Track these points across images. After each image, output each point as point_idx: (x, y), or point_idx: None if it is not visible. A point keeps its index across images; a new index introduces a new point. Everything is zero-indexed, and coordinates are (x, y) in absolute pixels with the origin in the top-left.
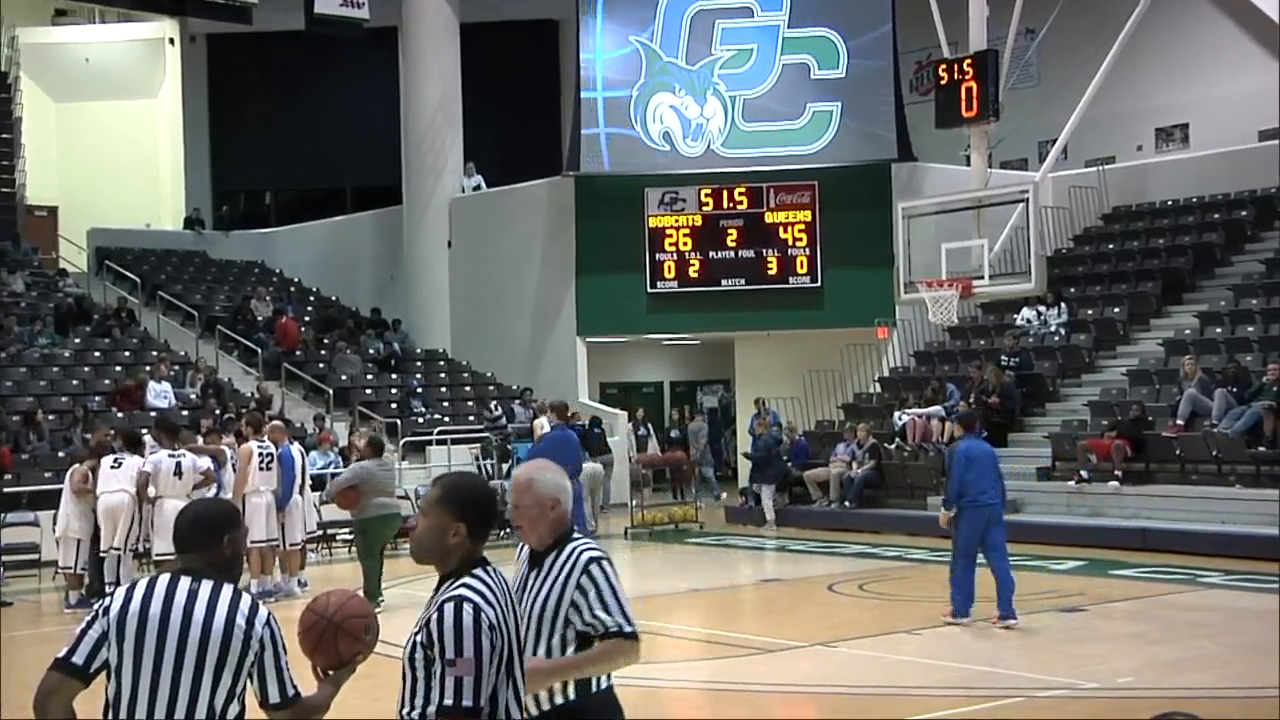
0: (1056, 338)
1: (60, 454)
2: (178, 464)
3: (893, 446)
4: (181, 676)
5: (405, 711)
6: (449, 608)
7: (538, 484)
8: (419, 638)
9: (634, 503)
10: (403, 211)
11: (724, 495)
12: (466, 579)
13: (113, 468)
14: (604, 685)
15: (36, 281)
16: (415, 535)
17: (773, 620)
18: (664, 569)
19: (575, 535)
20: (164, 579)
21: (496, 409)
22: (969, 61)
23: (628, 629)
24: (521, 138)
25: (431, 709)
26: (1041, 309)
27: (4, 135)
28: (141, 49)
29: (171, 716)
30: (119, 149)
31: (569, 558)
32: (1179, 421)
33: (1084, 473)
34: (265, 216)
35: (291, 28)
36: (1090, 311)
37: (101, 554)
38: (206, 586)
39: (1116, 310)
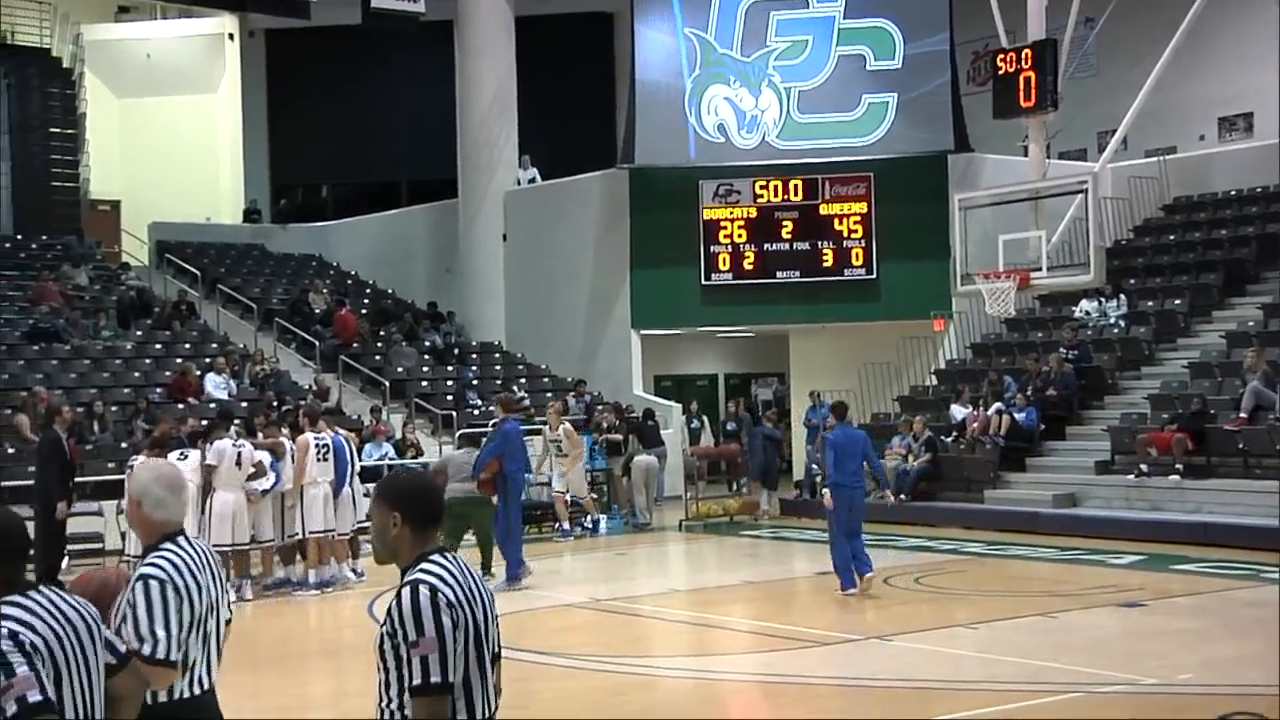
0: (1116, 330)
1: (123, 445)
2: (239, 454)
3: (949, 440)
4: None
5: (383, 705)
6: (405, 593)
7: (134, 483)
8: (384, 629)
9: (688, 495)
10: (458, 204)
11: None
12: (422, 565)
13: (179, 460)
14: (163, 699)
15: (100, 275)
16: (371, 533)
17: (827, 613)
18: (718, 561)
19: (164, 546)
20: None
21: (518, 394)
22: (1027, 51)
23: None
24: (576, 131)
25: (407, 696)
26: (1100, 301)
27: (69, 131)
28: (202, 45)
29: None
30: (180, 144)
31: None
32: (1242, 415)
33: (1144, 466)
34: (322, 210)
35: (348, 22)
36: (1150, 303)
37: None
38: None
39: (1177, 302)
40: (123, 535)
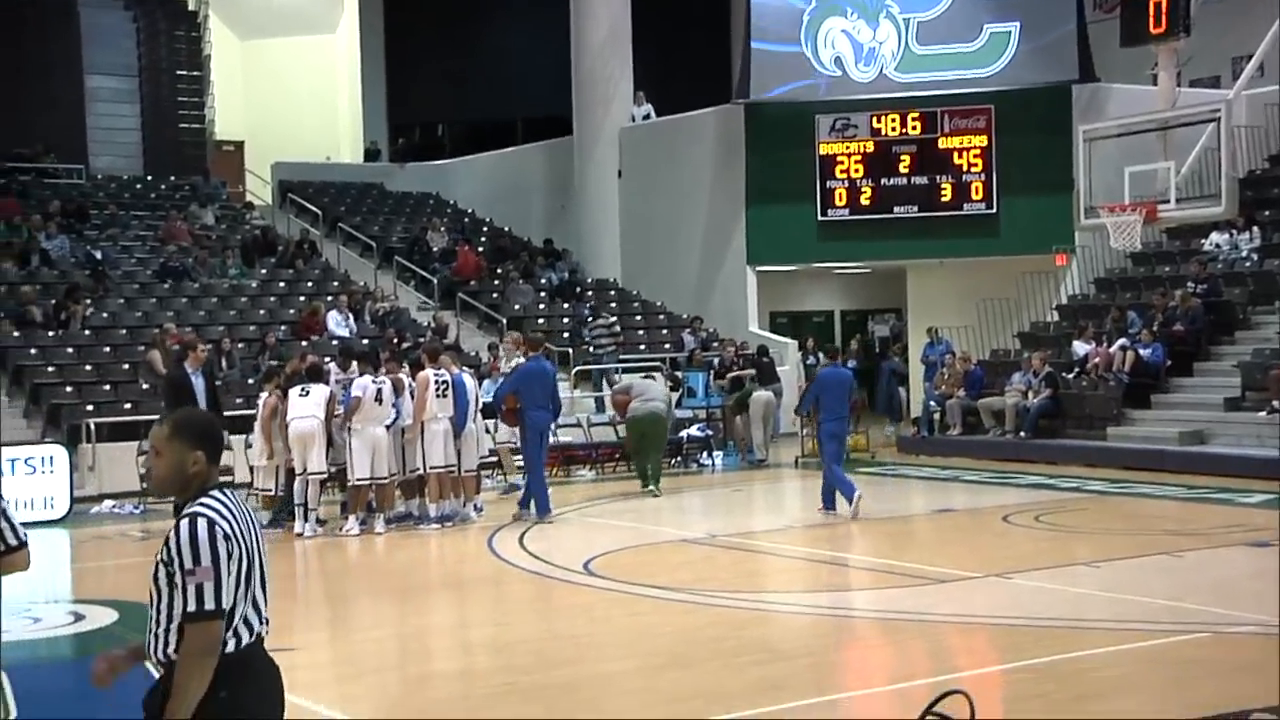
0: (1248, 263)
1: (250, 381)
2: (379, 390)
3: (1071, 376)
4: None
5: (155, 630)
6: (184, 524)
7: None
8: (160, 556)
9: (804, 432)
10: (573, 142)
11: (899, 425)
12: (202, 499)
13: (300, 396)
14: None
15: (225, 215)
16: (155, 473)
17: (946, 550)
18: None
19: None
20: None
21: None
22: None
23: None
24: (691, 66)
25: (176, 623)
26: (1232, 233)
27: (194, 73)
28: None
29: None
30: (300, 84)
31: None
32: None
33: (1276, 403)
34: (439, 148)
35: None
36: None
37: (297, 475)
38: None
39: None
40: (251, 470)
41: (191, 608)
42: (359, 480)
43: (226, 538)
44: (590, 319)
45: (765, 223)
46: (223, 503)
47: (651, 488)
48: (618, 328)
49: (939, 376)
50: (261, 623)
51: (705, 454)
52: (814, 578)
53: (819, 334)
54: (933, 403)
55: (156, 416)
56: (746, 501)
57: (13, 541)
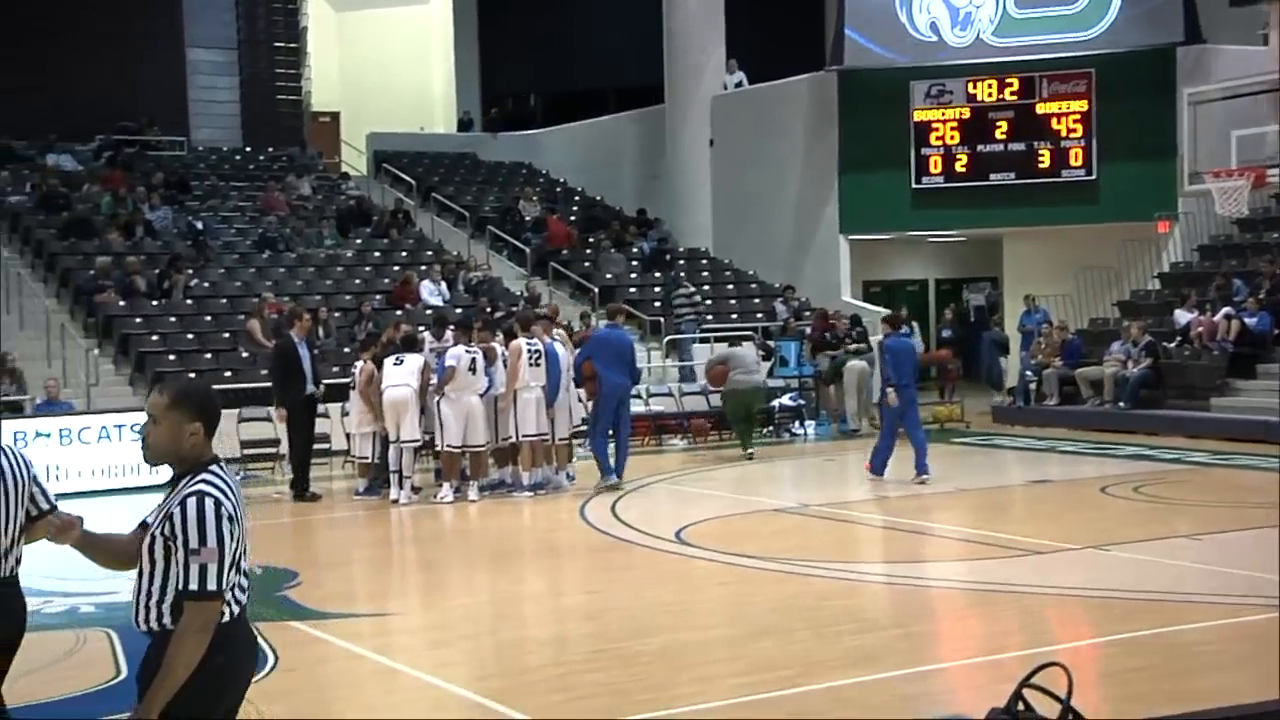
0: None
1: (345, 350)
2: (473, 359)
3: (1172, 346)
4: None
5: (146, 601)
6: (192, 501)
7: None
8: (160, 530)
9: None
10: (665, 111)
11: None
12: (204, 475)
13: (395, 365)
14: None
15: (321, 185)
16: (151, 441)
17: (1042, 522)
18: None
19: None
20: None
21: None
22: None
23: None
24: (784, 33)
25: (170, 597)
26: None
27: (291, 45)
28: None
29: None
30: (394, 55)
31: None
32: None
33: None
34: (532, 118)
35: None
36: None
37: (392, 442)
38: None
39: None
40: (348, 437)
41: (194, 586)
42: (451, 447)
43: (230, 519)
44: (673, 288)
45: (858, 191)
46: (224, 481)
47: (751, 451)
48: (697, 297)
49: (1036, 345)
50: (244, 591)
51: (797, 423)
52: (907, 548)
53: (912, 303)
54: (1029, 372)
55: (255, 385)
56: (839, 471)
57: (45, 506)
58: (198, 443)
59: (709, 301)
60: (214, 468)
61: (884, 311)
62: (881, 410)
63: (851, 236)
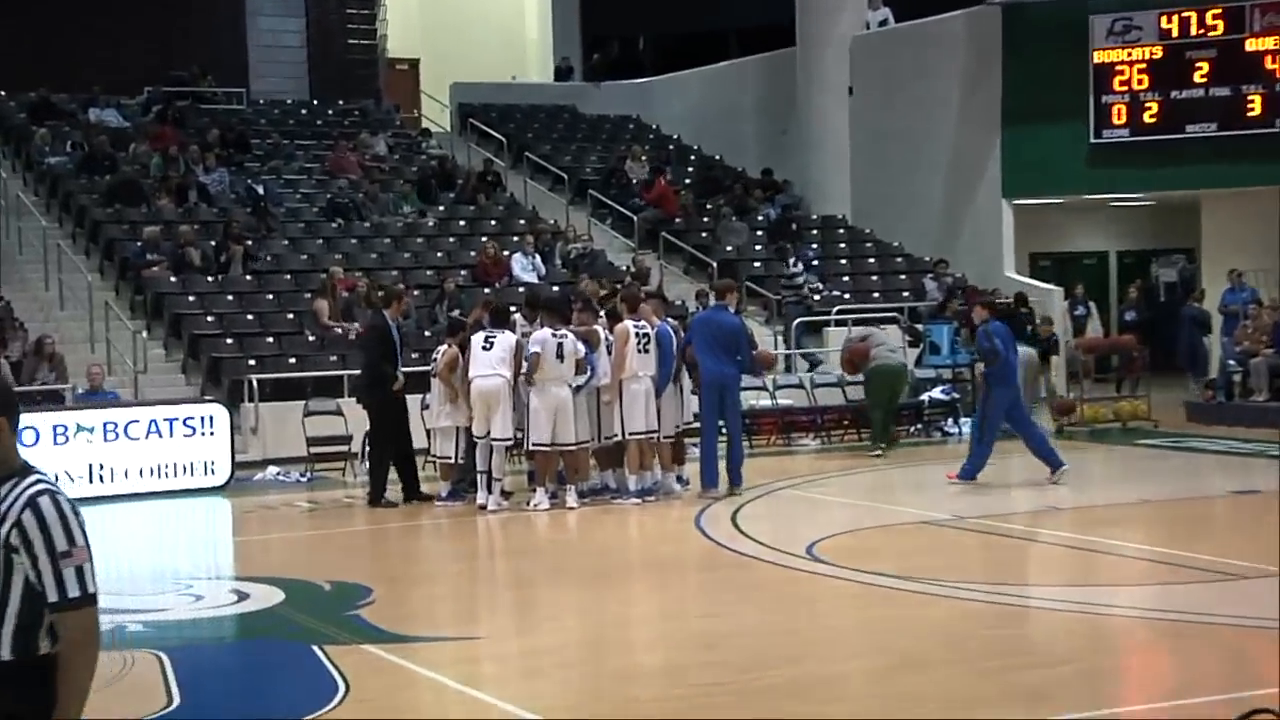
0: None
1: (426, 333)
2: (560, 345)
3: None
4: None
5: None
6: (45, 501)
7: None
8: (10, 538)
9: (1071, 396)
10: (796, 54)
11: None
12: (37, 475)
13: (484, 349)
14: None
15: (399, 143)
16: None
17: (1241, 540)
18: (1108, 475)
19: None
20: None
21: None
22: None
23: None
24: None
25: (18, 619)
26: None
27: None
28: None
29: None
30: None
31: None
32: None
33: None
34: (641, 65)
35: None
36: None
37: (477, 439)
38: None
39: None
40: (428, 433)
41: (73, 594)
42: (539, 446)
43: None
44: (786, 265)
45: (1025, 147)
46: (51, 478)
47: (881, 446)
48: (802, 278)
49: (1241, 330)
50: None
51: (950, 421)
52: (1080, 569)
53: (1089, 280)
54: (1233, 361)
55: (323, 373)
56: (1000, 477)
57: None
58: (13, 442)
59: (846, 278)
60: (32, 467)
61: (1054, 289)
62: (984, 409)
63: (1017, 201)
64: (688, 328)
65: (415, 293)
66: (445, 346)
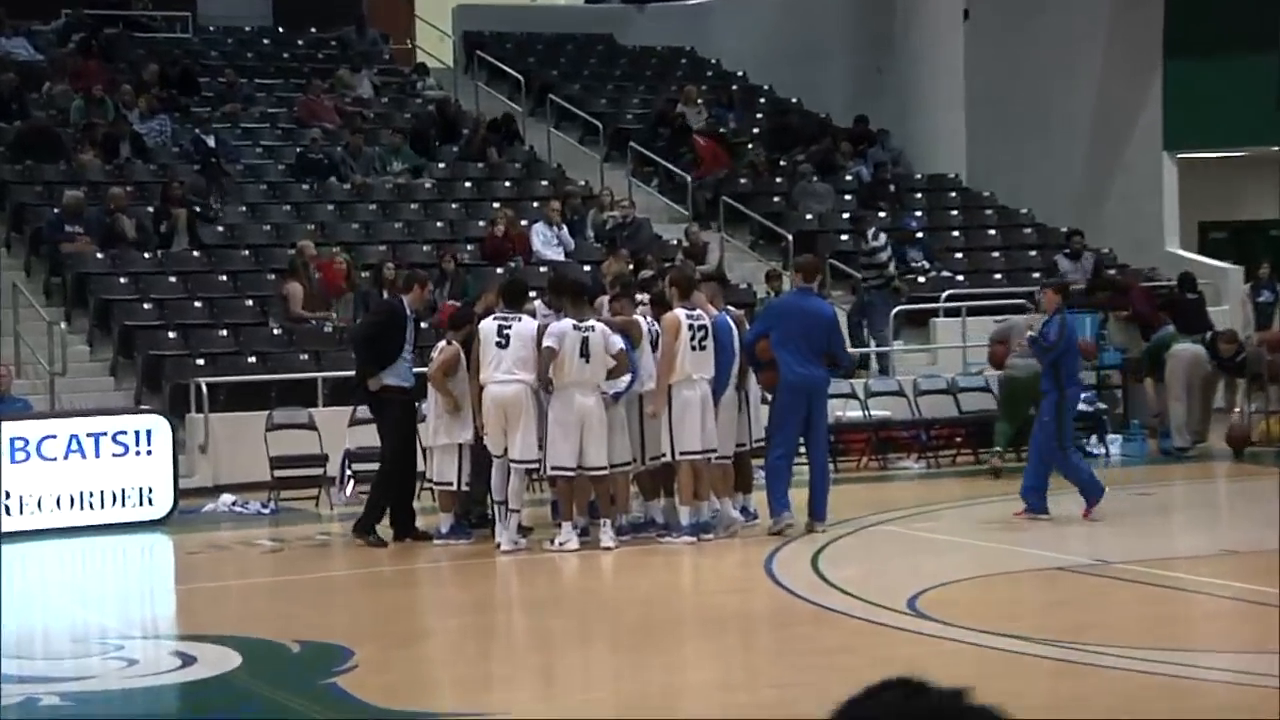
0: None
1: (423, 324)
2: (584, 340)
3: None
4: None
5: None
6: None
7: None
8: None
9: (1251, 407)
10: None
11: None
12: None
13: (499, 344)
14: None
15: (388, 83)
16: None
17: None
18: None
19: None
20: None
21: None
22: None
23: None
24: None
25: None
26: None
27: None
28: None
29: None
30: None
31: None
32: None
33: None
34: None
35: None
36: None
37: (494, 458)
38: None
39: None
40: (424, 452)
41: None
42: (559, 470)
43: None
44: (865, 238)
45: (1193, 86)
46: None
47: (998, 467)
48: (885, 254)
49: None
50: None
51: (1093, 437)
52: (1267, 630)
53: (1278, 255)
54: None
55: (292, 376)
56: (1160, 511)
57: None
58: None
59: (959, 255)
60: None
61: (1231, 269)
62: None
63: (1181, 155)
64: (753, 318)
65: (407, 273)
66: (445, 343)
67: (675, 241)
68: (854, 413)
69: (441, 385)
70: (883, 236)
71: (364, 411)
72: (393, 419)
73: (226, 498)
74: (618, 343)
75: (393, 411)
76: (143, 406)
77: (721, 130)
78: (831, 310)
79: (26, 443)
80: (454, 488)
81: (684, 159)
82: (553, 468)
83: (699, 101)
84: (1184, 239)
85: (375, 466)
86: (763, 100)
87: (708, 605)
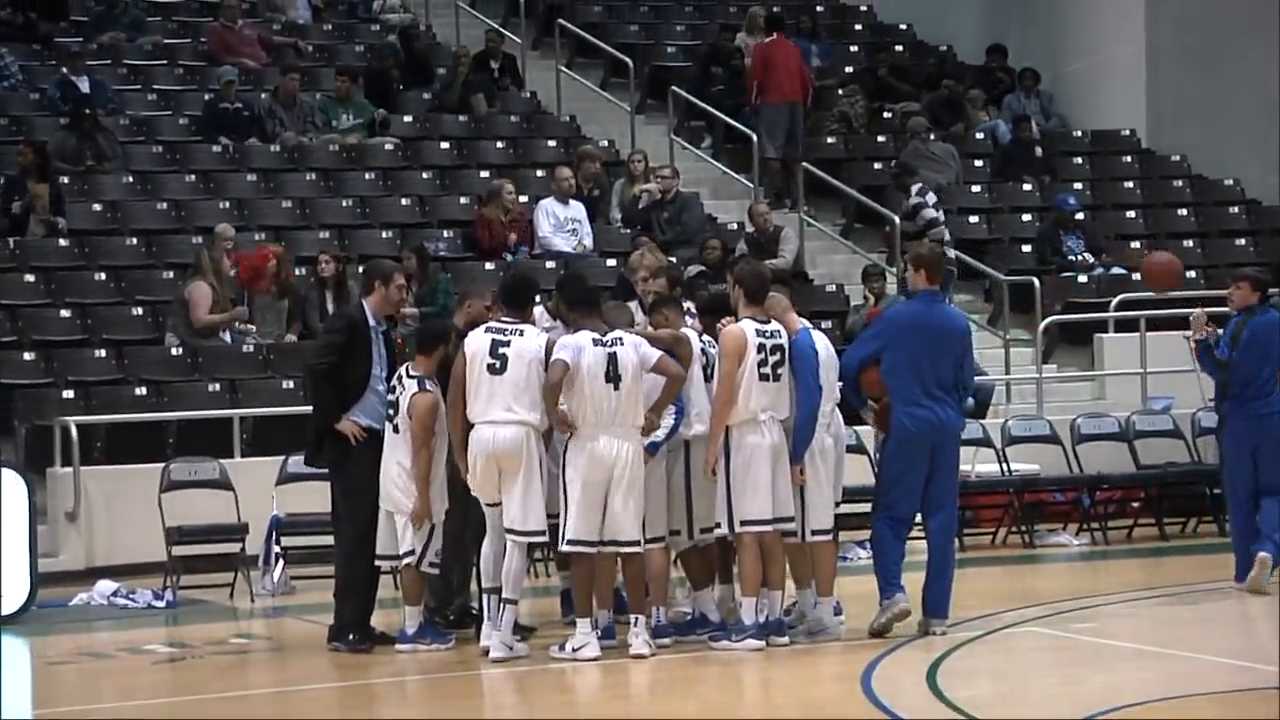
0: None
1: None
2: (611, 358)
3: None
4: None
5: None
6: None
7: None
8: None
9: None
10: None
11: None
12: None
13: (491, 369)
14: None
15: (333, 3)
16: None
17: None
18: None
19: None
20: None
21: None
22: None
23: None
24: None
25: None
26: None
27: None
28: None
29: None
30: None
31: None
32: None
33: None
34: None
35: None
36: None
37: (489, 505)
38: None
39: None
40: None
41: None
42: (576, 545)
43: None
44: (905, 198)
45: None
46: None
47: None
48: (930, 213)
49: None
50: None
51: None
52: None
53: None
54: None
55: (200, 414)
56: None
57: None
58: None
59: (1136, 244)
60: None
61: None
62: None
63: None
64: (851, 332)
65: (360, 269)
66: (416, 386)
67: (735, 226)
68: (987, 466)
69: (420, 434)
70: (930, 194)
71: (297, 463)
72: (363, 471)
73: (105, 585)
74: (655, 357)
75: (363, 462)
76: None
77: (821, 63)
78: (966, 324)
79: None
80: (415, 564)
81: (745, 111)
82: (568, 541)
83: (762, 29)
84: None
85: (317, 540)
86: (860, 28)
87: None
